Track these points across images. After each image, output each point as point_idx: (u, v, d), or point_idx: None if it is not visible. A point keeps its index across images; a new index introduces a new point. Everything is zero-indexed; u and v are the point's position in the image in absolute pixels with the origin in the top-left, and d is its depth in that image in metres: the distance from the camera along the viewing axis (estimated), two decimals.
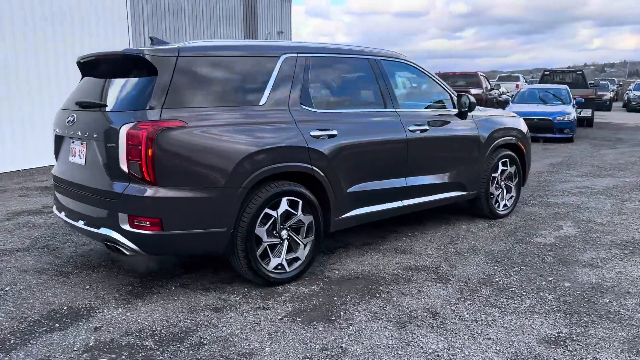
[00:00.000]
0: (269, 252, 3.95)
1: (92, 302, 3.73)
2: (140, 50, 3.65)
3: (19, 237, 5.31)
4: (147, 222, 3.50)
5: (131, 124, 3.45)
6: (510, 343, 3.15)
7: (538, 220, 5.93)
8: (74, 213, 3.99)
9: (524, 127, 6.24)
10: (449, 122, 5.30)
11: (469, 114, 5.49)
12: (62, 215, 4.16)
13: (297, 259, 4.12)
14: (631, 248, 4.95)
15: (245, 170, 3.72)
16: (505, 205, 6.04)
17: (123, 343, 3.14)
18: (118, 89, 3.78)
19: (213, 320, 3.44)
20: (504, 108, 14.79)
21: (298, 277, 4.14)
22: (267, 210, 3.88)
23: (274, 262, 3.97)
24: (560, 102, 14.63)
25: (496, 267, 4.43)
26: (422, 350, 3.06)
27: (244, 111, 3.87)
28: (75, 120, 3.93)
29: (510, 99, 16.25)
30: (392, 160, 4.77)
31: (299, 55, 4.27)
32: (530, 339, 3.20)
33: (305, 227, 4.14)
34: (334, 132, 4.27)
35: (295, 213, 4.05)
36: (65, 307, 3.65)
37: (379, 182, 4.68)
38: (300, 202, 4.06)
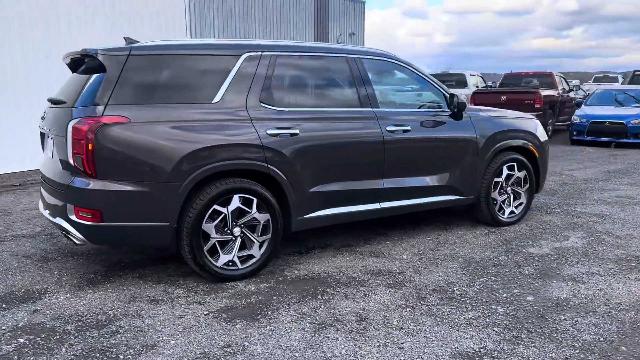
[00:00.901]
0: (218, 248, 4.00)
1: (49, 287, 3.97)
2: (95, 49, 3.84)
3: (34, 225, 5.75)
4: (89, 214, 3.68)
5: (76, 120, 3.64)
6: (420, 355, 2.99)
7: (547, 229, 5.52)
8: (48, 205, 4.26)
9: (538, 130, 5.83)
10: (438, 123, 5.08)
11: (467, 114, 5.23)
12: (46, 212, 4.35)
13: (251, 256, 4.14)
14: (633, 264, 4.48)
15: (188, 167, 3.79)
16: (512, 212, 5.67)
17: (48, 326, 3.32)
18: (79, 86, 3.99)
19: (142, 312, 3.54)
20: None
21: (253, 275, 4.16)
22: (216, 206, 3.93)
23: (223, 258, 4.02)
24: (639, 105, 13.45)
25: (463, 276, 4.19)
26: (322, 355, 2.98)
27: (193, 109, 3.94)
28: (45, 116, 4.21)
29: (583, 100, 15.16)
30: (366, 160, 4.64)
31: (263, 53, 4.28)
32: (444, 352, 3.01)
33: (261, 225, 4.14)
34: (296, 130, 4.24)
35: (249, 211, 4.07)
36: (23, 290, 3.92)
37: (350, 182, 4.58)
38: (255, 200, 4.08)
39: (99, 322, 3.38)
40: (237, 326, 3.33)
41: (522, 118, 5.86)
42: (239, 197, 4.02)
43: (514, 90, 15.36)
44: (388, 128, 4.70)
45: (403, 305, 3.64)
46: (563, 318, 3.46)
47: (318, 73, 4.68)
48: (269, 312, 3.52)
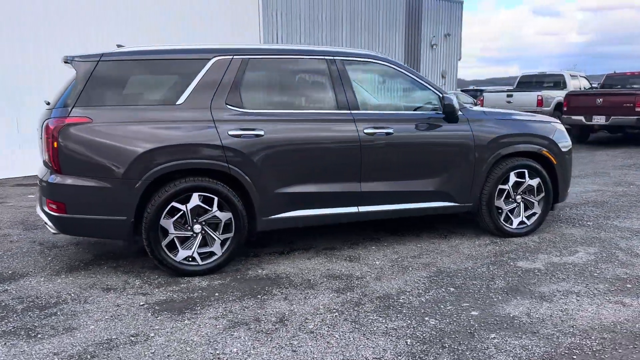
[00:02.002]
0: (177, 244, 4.18)
1: (33, 271, 4.40)
2: (73, 56, 4.20)
3: None
4: (55, 205, 4.04)
5: (49, 120, 4.02)
6: (307, 357, 2.93)
7: (559, 242, 5.06)
8: (38, 199, 4.69)
9: (556, 135, 5.36)
10: (430, 125, 4.87)
11: (464, 116, 4.96)
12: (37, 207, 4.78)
13: (212, 253, 4.28)
14: (629, 285, 3.99)
15: (144, 166, 4.02)
16: (522, 223, 5.26)
17: (4, 304, 3.71)
18: (63, 89, 4.38)
19: (90, 298, 3.82)
20: None
21: (213, 272, 4.28)
22: (174, 203, 4.12)
23: (182, 253, 4.19)
24: None
25: (421, 285, 4.00)
26: (212, 351, 3.03)
27: (156, 110, 4.17)
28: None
29: None
30: (340, 163, 4.58)
31: (234, 57, 4.41)
32: (333, 359, 2.93)
33: (223, 223, 4.27)
34: (260, 132, 4.31)
35: (210, 209, 4.21)
36: (11, 272, 4.38)
37: (322, 185, 4.55)
38: (216, 198, 4.21)
39: (46, 304, 3.70)
40: (159, 318, 3.48)
41: (537, 121, 5.42)
42: (199, 195, 4.17)
43: (613, 92, 14.08)
44: (366, 130, 4.61)
45: (334, 310, 3.57)
46: (493, 336, 3.19)
47: (292, 75, 4.71)
48: (198, 308, 3.63)
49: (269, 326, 3.34)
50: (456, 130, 4.94)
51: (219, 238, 4.28)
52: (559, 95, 15.80)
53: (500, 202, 5.16)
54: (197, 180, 4.18)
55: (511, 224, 5.24)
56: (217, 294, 3.88)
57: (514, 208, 5.23)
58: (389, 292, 3.88)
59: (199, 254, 4.25)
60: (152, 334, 3.24)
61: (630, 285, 3.99)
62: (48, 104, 4.48)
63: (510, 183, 5.16)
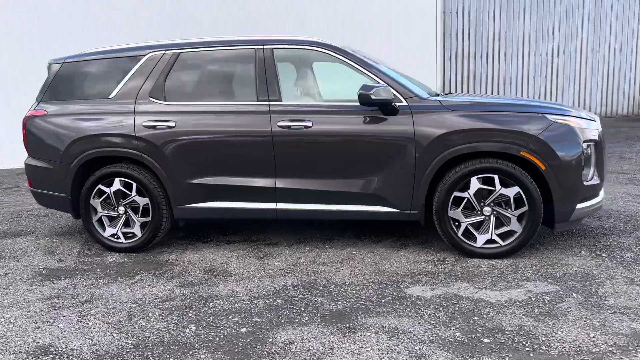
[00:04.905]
0: (105, 222, 4.74)
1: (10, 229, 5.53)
2: (52, 59, 5.10)
3: None
4: (27, 182, 5.04)
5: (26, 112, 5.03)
6: (20, 335, 3.18)
7: (533, 274, 3.90)
8: None
9: (548, 130, 4.03)
10: (363, 119, 4.27)
11: (408, 108, 4.21)
12: None
13: (135, 234, 4.71)
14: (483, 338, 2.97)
15: (75, 152, 4.68)
16: (492, 241, 4.18)
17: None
18: None
19: (15, 255, 4.69)
20: None
21: (134, 250, 4.71)
22: (100, 186, 4.69)
23: (109, 231, 4.74)
24: None
25: (256, 293, 3.70)
26: (47, 327, 3.29)
27: (92, 104, 4.77)
28: None
29: None
30: (252, 157, 4.44)
31: (166, 52, 4.70)
32: (39, 336, 3.11)
33: (141, 207, 4.66)
34: (172, 123, 4.52)
35: (129, 194, 4.65)
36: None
37: (236, 178, 4.50)
38: (135, 184, 4.63)
39: None
40: (32, 283, 4.09)
41: (514, 113, 4.16)
42: (120, 180, 4.64)
43: None
44: (280, 124, 4.35)
45: (194, 304, 3.58)
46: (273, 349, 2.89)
47: (219, 67, 4.71)
48: (68, 279, 4.12)
49: (71, 302, 3.65)
50: (391, 125, 4.22)
51: (138, 221, 4.67)
52: None
53: (456, 213, 4.21)
54: (118, 166, 4.65)
55: (474, 241, 4.21)
56: (98, 271, 4.30)
57: (482, 222, 4.19)
58: (221, 295, 3.72)
59: (124, 233, 4.73)
60: (6, 302, 3.90)
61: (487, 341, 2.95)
62: None
63: (472, 190, 4.15)
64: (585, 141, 4.13)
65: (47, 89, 4.94)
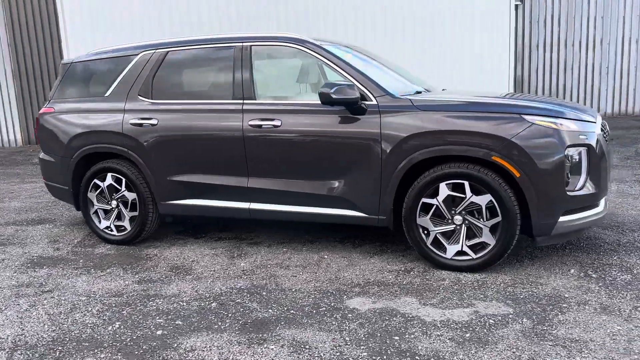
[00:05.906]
0: (100, 214, 4.98)
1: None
2: (64, 60, 5.41)
3: None
4: (41, 174, 5.42)
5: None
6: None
7: (492, 290, 3.54)
8: None
9: (524, 133, 3.59)
10: (332, 119, 4.08)
11: (376, 107, 3.97)
12: None
13: (125, 228, 4.90)
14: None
15: (74, 147, 4.96)
16: (463, 253, 3.83)
17: None
18: None
19: (16, 237, 5.05)
20: None
21: (126, 243, 4.91)
22: (95, 180, 4.93)
23: (104, 223, 4.98)
24: None
25: (247, 298, 3.70)
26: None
27: (90, 102, 5.00)
28: None
29: None
30: (225, 156, 4.42)
31: (155, 51, 4.81)
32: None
33: (130, 202, 4.84)
34: (155, 121, 4.63)
35: (120, 188, 4.84)
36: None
37: (212, 177, 4.52)
38: (124, 179, 4.81)
39: None
40: (17, 270, 4.41)
41: (488, 113, 3.74)
42: (112, 175, 4.85)
43: None
44: (251, 123, 4.30)
45: (137, 301, 3.66)
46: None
47: (201, 65, 4.72)
48: (49, 268, 4.38)
49: (33, 291, 3.88)
50: (358, 126, 4.00)
51: (127, 215, 4.85)
52: None
53: (424, 221, 3.90)
54: (110, 162, 4.85)
55: (444, 251, 3.89)
56: (89, 262, 4.51)
57: (452, 231, 3.86)
58: (167, 294, 3.76)
59: (116, 226, 4.93)
60: None
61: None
62: None
63: (441, 197, 3.83)
64: (572, 146, 3.64)
65: (57, 88, 5.27)
